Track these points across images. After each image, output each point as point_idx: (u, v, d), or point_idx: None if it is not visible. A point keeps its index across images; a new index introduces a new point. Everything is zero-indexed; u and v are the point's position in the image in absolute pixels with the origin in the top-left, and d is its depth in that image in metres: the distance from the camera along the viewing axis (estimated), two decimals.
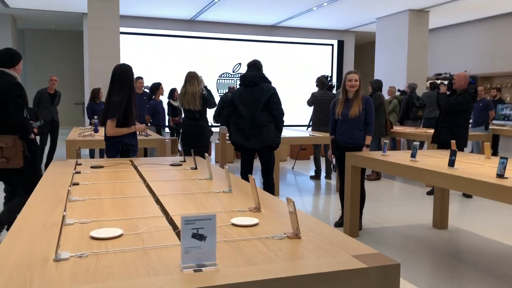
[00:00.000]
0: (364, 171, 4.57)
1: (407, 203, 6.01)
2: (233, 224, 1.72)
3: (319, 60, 14.68)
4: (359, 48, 16.68)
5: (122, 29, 12.64)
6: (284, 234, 1.60)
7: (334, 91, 7.87)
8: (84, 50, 12.14)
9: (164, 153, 5.66)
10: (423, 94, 9.01)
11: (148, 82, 8.39)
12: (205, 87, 5.77)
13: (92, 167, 3.11)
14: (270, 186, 4.99)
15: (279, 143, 4.84)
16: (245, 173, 4.82)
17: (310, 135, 7.01)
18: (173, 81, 12.15)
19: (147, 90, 8.12)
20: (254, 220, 1.76)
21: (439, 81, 6.40)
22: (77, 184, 2.48)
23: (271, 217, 1.86)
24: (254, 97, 4.68)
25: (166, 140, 7.86)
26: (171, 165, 3.29)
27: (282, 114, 4.77)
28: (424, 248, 4.14)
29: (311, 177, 7.76)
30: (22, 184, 3.74)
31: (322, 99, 7.26)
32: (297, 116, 13.49)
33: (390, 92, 9.28)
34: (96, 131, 6.03)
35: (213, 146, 9.99)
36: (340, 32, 14.89)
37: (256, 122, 4.67)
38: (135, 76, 9.03)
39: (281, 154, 8.83)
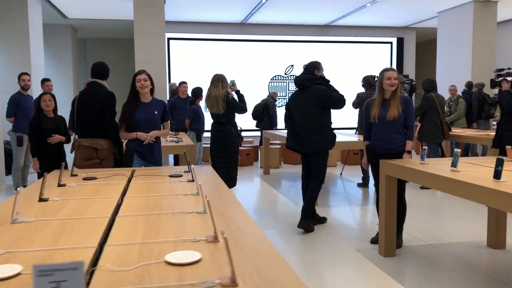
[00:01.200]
0: (403, 181, 4.04)
1: (456, 215, 5.33)
2: (166, 262, 1.38)
3: (377, 60, 13.91)
4: (420, 46, 15.69)
5: (171, 35, 12.77)
6: (218, 280, 1.23)
7: None
8: None
9: (193, 159, 5.42)
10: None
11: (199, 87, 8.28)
12: (238, 91, 5.47)
13: (84, 178, 2.90)
14: (311, 193, 4.72)
15: (328, 148, 4.68)
16: (305, 176, 4.91)
17: (358, 139, 6.49)
18: None
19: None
20: (195, 256, 1.41)
21: (500, 78, 5.62)
22: (45, 200, 2.25)
23: (223, 250, 1.50)
24: (305, 100, 4.65)
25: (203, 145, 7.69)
26: (170, 176, 3.01)
27: (340, 98, 4.61)
28: (477, 272, 3.54)
29: (359, 185, 7.21)
30: None
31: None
32: (350, 119, 12.85)
33: (452, 92, 8.49)
34: None
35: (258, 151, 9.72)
36: (399, 29, 14.04)
37: (307, 125, 4.62)
38: (179, 81, 9.04)
39: (330, 159, 8.34)
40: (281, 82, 13.58)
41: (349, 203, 6.12)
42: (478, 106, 8.45)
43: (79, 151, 3.95)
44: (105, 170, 3.38)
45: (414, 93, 8.55)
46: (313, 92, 4.60)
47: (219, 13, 11.83)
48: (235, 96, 5.41)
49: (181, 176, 2.99)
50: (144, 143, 3.82)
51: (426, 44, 16.16)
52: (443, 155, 6.74)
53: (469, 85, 9.39)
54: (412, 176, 3.50)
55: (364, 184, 7.11)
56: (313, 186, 4.73)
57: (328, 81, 4.76)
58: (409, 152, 4.08)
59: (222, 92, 5.21)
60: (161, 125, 4.06)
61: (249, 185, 7.57)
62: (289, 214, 5.42)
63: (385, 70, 4.12)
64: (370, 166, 4.33)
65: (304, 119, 4.64)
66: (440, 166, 3.46)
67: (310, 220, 4.72)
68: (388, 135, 4.07)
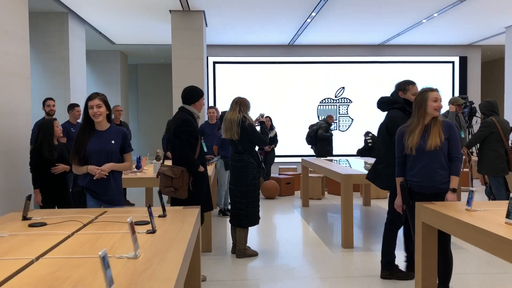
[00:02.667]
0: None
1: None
2: None
3: (438, 81, 12.81)
4: (486, 65, 14.36)
5: (217, 59, 12.51)
6: None
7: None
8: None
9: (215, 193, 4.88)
10: None
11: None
12: (262, 123, 4.92)
13: (30, 225, 2.41)
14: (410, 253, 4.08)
15: (391, 187, 3.86)
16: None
17: None
18: (269, 109, 11.52)
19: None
20: None
21: None
22: None
23: None
24: (380, 126, 4.14)
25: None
26: (135, 223, 2.44)
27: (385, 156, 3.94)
28: None
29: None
30: None
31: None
32: None
33: None
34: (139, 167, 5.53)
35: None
36: (462, 47, 12.89)
37: (379, 155, 4.14)
38: (209, 104, 8.64)
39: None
40: (331, 105, 12.84)
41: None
42: None
43: (160, 176, 3.95)
44: (67, 212, 2.86)
45: (474, 117, 7.58)
46: (387, 119, 4.03)
47: (265, 36, 11.41)
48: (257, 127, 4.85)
49: (147, 223, 2.42)
50: (94, 178, 3.23)
51: (492, 63, 14.79)
52: (508, 190, 5.71)
53: None
54: (452, 228, 2.70)
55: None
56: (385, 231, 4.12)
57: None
58: (454, 190, 3.28)
59: (238, 116, 4.67)
60: (121, 156, 3.47)
61: (279, 220, 6.87)
62: (317, 258, 4.68)
63: (429, 90, 3.41)
64: (405, 207, 3.54)
65: (378, 146, 4.24)
66: (491, 216, 2.64)
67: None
68: (429, 170, 3.32)
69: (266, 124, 6.55)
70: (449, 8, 8.82)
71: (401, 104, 3.95)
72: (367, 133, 7.89)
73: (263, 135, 4.83)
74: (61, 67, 8.74)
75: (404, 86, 4.02)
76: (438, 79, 12.88)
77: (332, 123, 9.84)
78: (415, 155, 3.33)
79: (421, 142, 3.31)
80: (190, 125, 3.91)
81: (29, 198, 2.58)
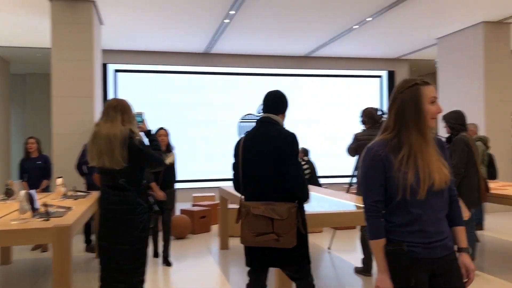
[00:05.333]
0: None
1: None
2: None
3: (365, 95, 11.90)
4: None
5: (119, 66, 10.58)
6: None
7: None
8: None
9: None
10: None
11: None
12: (148, 132, 3.21)
13: None
14: None
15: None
16: None
17: (355, 208, 4.17)
18: (179, 126, 9.81)
19: None
20: None
21: None
22: None
23: None
24: None
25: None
26: None
27: None
28: None
29: (357, 270, 4.87)
30: (297, 273, 2.90)
31: None
32: (337, 167, 10.67)
33: (471, 132, 6.35)
34: None
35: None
36: (390, 60, 12.12)
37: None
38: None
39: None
40: (253, 122, 11.35)
41: None
42: None
43: (247, 221, 2.81)
44: None
45: None
46: None
47: (177, 41, 9.72)
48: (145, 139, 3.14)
49: None
50: None
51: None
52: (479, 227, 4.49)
53: None
54: None
55: (365, 270, 4.76)
56: None
57: None
58: (470, 253, 1.98)
59: (121, 130, 2.94)
60: None
61: (188, 271, 5.10)
62: None
63: (424, 83, 1.96)
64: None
65: None
66: None
67: None
68: (436, 220, 1.94)
69: (162, 141, 4.80)
70: (377, 15, 7.79)
71: None
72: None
73: (157, 150, 3.14)
74: None
75: None
76: (366, 93, 11.99)
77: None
78: (417, 201, 1.89)
79: (423, 175, 1.89)
80: (298, 144, 2.97)
81: None
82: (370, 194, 1.98)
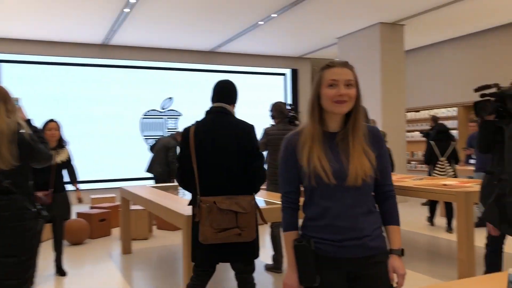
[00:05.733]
0: None
1: None
2: None
3: (271, 93, 11.99)
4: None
5: (4, 56, 9.53)
6: None
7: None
8: None
9: None
10: None
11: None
12: (28, 121, 2.76)
13: None
14: None
15: None
16: None
17: (265, 202, 4.04)
18: (73, 123, 9.05)
19: None
20: None
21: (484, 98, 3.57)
22: None
23: None
24: None
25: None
26: None
27: None
28: None
29: (267, 268, 4.77)
30: (250, 265, 2.94)
31: (282, 136, 4.38)
32: None
33: None
34: None
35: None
36: (293, 59, 12.37)
37: None
38: None
39: None
40: (157, 118, 10.90)
41: None
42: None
43: (210, 217, 2.62)
44: None
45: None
46: None
47: (73, 31, 8.95)
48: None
49: None
50: None
51: None
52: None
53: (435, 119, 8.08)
54: None
55: (275, 267, 4.67)
56: None
57: None
58: (401, 254, 1.81)
59: (7, 124, 2.51)
60: None
61: (86, 279, 4.64)
62: None
63: (327, 66, 1.82)
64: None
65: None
66: None
67: None
68: (351, 216, 1.76)
69: (52, 135, 4.32)
70: (282, 11, 7.84)
71: None
72: None
73: (44, 144, 2.72)
74: None
75: None
76: (271, 91, 12.10)
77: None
78: (331, 190, 1.75)
79: (335, 163, 1.75)
80: None
81: None
82: (283, 185, 1.88)
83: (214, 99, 2.97)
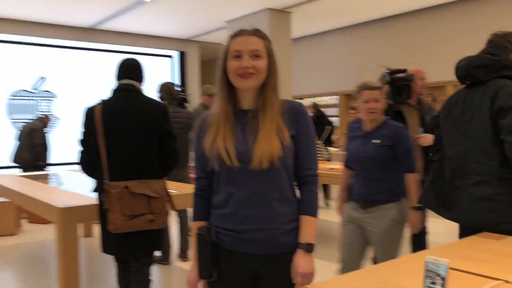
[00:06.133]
0: None
1: None
2: None
3: (157, 76, 11.45)
4: (204, 64, 13.98)
5: None
6: None
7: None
8: None
9: None
10: None
11: None
12: None
13: None
14: None
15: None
16: None
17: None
18: None
19: None
20: None
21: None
22: None
23: None
24: (469, 111, 2.24)
25: None
26: None
27: None
28: None
29: (155, 260, 4.47)
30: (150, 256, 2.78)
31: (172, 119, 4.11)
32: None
33: None
34: None
35: None
36: (181, 41, 11.95)
37: (466, 167, 2.23)
38: None
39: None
40: (28, 99, 9.77)
41: None
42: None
43: (121, 203, 2.41)
44: None
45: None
46: (486, 93, 2.17)
47: None
48: None
49: None
50: None
51: (210, 62, 14.54)
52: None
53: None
54: None
55: (162, 259, 4.41)
56: None
57: None
58: (310, 249, 1.61)
59: None
60: None
61: None
62: None
63: (235, 34, 1.68)
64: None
65: (458, 149, 2.28)
66: None
67: None
68: (257, 203, 1.57)
69: None
70: None
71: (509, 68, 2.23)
72: None
73: None
74: None
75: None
76: (158, 74, 11.57)
77: (49, 125, 7.50)
78: (231, 174, 1.59)
79: (242, 144, 1.57)
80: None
81: None
82: (196, 170, 1.73)
83: (120, 76, 2.75)
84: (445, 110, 2.43)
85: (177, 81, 11.93)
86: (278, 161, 1.54)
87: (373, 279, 1.49)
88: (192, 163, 4.68)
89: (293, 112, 1.64)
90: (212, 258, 1.56)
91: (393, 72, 3.36)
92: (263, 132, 1.55)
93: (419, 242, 3.54)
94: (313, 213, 1.61)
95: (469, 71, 2.26)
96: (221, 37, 11.04)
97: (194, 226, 1.66)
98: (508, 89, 2.09)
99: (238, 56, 1.56)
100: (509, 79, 2.16)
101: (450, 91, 8.13)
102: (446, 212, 2.35)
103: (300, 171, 1.64)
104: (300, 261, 1.56)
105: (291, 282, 1.57)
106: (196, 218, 1.67)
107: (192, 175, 4.81)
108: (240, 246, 1.56)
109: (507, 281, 1.39)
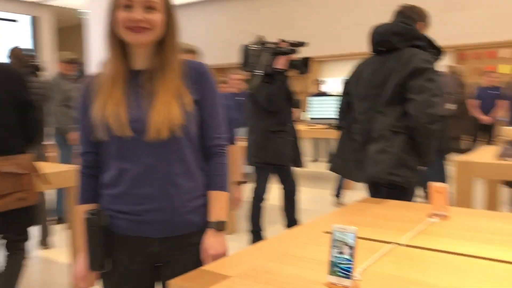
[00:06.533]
0: None
1: None
2: None
3: (7, 41, 10.26)
4: (61, 31, 12.88)
5: None
6: None
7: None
8: None
9: None
10: None
11: None
12: None
13: None
14: None
15: (399, 181, 2.24)
16: None
17: None
18: None
19: None
20: None
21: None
22: None
23: None
24: (381, 75, 2.34)
25: None
26: None
27: (429, 116, 2.19)
28: None
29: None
30: (23, 234, 2.53)
31: None
32: None
33: None
34: None
35: None
36: (34, 5, 10.81)
37: (372, 128, 2.35)
38: None
39: None
40: None
41: None
42: None
43: None
44: None
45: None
46: (399, 61, 2.29)
47: None
48: None
49: None
50: None
51: (68, 29, 13.44)
52: None
53: None
54: None
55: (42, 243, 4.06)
56: None
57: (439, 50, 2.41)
58: (220, 227, 1.41)
59: None
60: None
61: None
62: None
63: None
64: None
65: (371, 114, 2.37)
66: None
67: None
68: (156, 179, 1.34)
69: None
70: None
71: (425, 43, 2.37)
72: None
73: None
74: None
75: (422, 13, 2.49)
76: (8, 39, 10.37)
77: None
78: (123, 146, 1.34)
79: (137, 112, 1.33)
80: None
81: None
82: (81, 144, 1.44)
83: None
84: (354, 76, 2.51)
85: (29, 47, 10.85)
86: (179, 129, 1.32)
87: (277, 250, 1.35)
88: (48, 141, 4.34)
89: (196, 74, 1.39)
90: (104, 246, 1.35)
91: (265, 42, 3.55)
92: (161, 97, 1.32)
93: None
94: (223, 187, 1.42)
95: (386, 37, 2.34)
96: (77, 2, 10.23)
97: (80, 209, 1.41)
98: (421, 55, 2.24)
99: (128, 6, 1.30)
100: (418, 48, 2.32)
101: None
102: (358, 174, 2.42)
103: (206, 141, 1.43)
104: (210, 241, 1.38)
105: (199, 266, 1.29)
106: (82, 200, 1.42)
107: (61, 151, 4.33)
108: (138, 230, 1.35)
109: (399, 244, 1.38)
